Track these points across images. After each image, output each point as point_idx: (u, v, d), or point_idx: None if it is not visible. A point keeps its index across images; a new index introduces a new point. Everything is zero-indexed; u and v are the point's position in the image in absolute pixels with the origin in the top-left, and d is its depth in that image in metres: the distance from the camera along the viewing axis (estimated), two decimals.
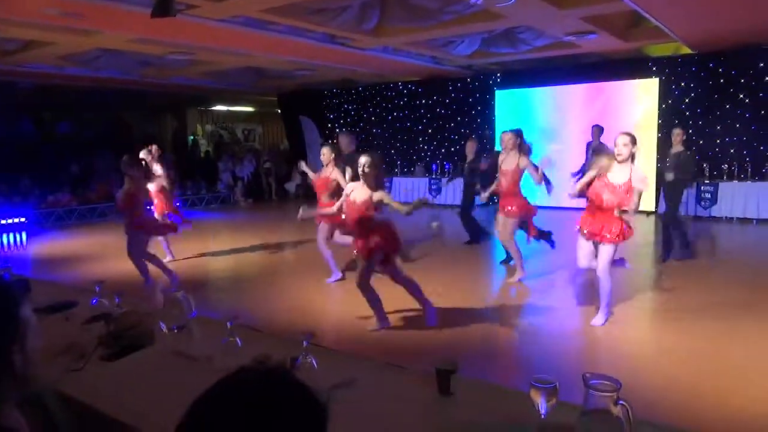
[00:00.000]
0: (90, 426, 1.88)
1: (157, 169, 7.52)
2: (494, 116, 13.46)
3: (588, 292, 5.98)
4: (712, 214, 10.53)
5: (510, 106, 13.20)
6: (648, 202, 10.68)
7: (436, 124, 14.50)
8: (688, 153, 7.28)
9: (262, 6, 7.36)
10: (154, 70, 12.19)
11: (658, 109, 11.40)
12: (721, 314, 5.11)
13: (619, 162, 4.54)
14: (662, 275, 6.68)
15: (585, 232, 4.76)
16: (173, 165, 13.52)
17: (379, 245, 4.55)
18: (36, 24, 7.96)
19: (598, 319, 4.88)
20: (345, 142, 7.08)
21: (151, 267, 6.41)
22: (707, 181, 10.59)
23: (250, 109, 21.28)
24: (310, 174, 6.80)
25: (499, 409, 1.78)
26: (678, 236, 7.24)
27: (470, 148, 8.37)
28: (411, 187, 14.13)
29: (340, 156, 6.43)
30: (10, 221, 11.48)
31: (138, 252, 6.30)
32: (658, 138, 11.07)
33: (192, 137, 20.09)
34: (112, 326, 2.40)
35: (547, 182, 6.10)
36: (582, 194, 4.85)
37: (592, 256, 4.87)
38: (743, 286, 6.12)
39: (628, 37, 9.61)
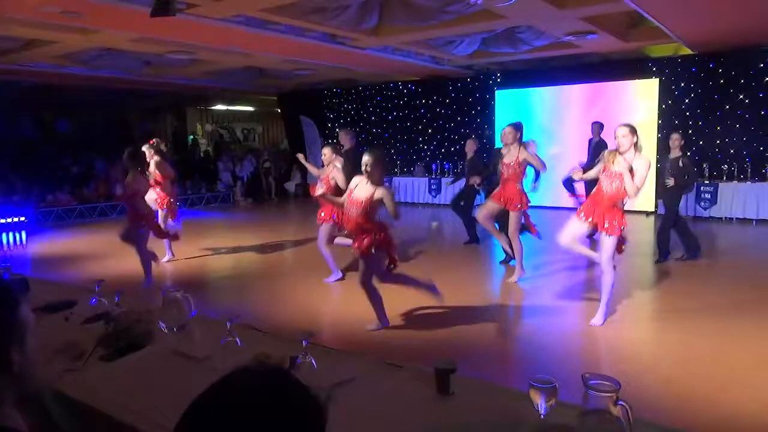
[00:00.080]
0: (89, 426, 1.88)
1: (152, 163, 7.47)
2: (494, 116, 13.46)
3: (588, 292, 5.98)
4: (712, 215, 10.53)
5: (510, 106, 13.19)
6: (648, 202, 10.70)
7: (436, 124, 14.50)
8: (687, 158, 7.26)
9: (262, 5, 7.36)
10: (154, 69, 12.19)
11: (658, 110, 11.40)
12: (720, 314, 5.11)
13: (621, 153, 4.59)
14: (662, 275, 6.68)
15: (582, 215, 4.81)
16: (173, 164, 13.50)
17: (375, 243, 4.53)
18: (36, 23, 7.96)
19: (597, 319, 4.89)
20: (345, 139, 7.08)
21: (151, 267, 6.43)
22: (707, 182, 10.59)
23: (250, 108, 21.28)
24: (313, 169, 6.81)
25: (498, 409, 1.78)
26: (685, 238, 7.22)
27: (470, 147, 8.38)
28: (411, 186, 14.17)
29: (341, 155, 6.47)
30: (9, 220, 11.47)
31: (141, 244, 6.38)
32: (658, 138, 11.07)
33: (192, 137, 20.09)
34: (111, 326, 2.40)
35: (538, 175, 6.32)
36: (588, 185, 5.00)
37: (574, 239, 4.95)
38: (743, 286, 6.12)
39: (628, 37, 9.61)
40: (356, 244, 4.59)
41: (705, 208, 10.59)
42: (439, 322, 4.99)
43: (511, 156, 6.13)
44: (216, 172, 16.79)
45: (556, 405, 1.56)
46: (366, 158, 4.49)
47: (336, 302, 6.07)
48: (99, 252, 8.71)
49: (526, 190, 6.20)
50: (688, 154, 7.65)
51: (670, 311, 5.35)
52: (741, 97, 10.62)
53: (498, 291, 6.47)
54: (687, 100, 11.16)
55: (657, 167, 7.73)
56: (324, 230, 6.37)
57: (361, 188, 4.55)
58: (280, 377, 0.91)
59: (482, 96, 13.75)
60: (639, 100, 11.62)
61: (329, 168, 6.28)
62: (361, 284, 4.68)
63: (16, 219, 11.57)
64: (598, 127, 9.37)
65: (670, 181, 7.04)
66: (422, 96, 14.62)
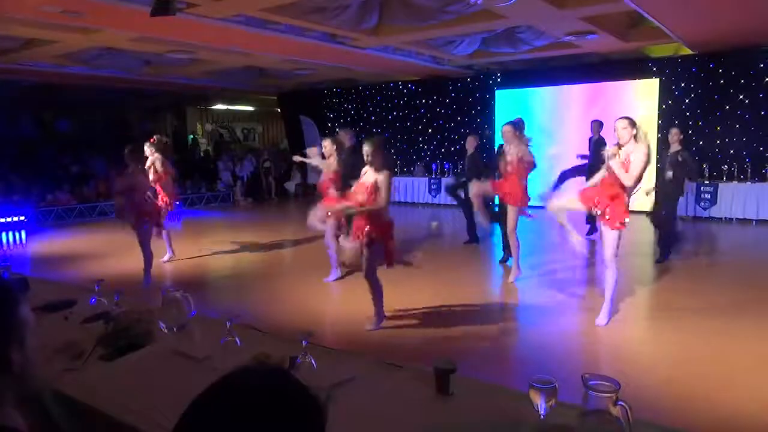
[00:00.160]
0: (89, 425, 1.88)
1: (151, 160, 7.46)
2: (494, 116, 13.45)
3: (588, 291, 5.98)
4: (712, 215, 10.53)
5: (510, 106, 13.18)
6: (648, 203, 10.67)
7: (436, 123, 14.50)
8: (687, 152, 7.28)
9: (262, 5, 7.36)
10: (154, 68, 12.19)
11: (658, 110, 11.40)
12: (720, 314, 5.11)
13: (621, 146, 4.59)
14: (661, 275, 6.68)
15: (580, 197, 4.85)
16: (174, 164, 13.50)
17: (376, 232, 4.61)
18: (36, 22, 7.96)
19: (601, 319, 4.88)
20: (344, 137, 7.09)
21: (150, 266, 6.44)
22: (707, 182, 10.59)
23: (249, 108, 21.28)
24: (318, 162, 6.78)
25: (498, 409, 1.78)
26: (668, 236, 7.21)
27: (470, 143, 8.39)
28: (411, 186, 14.16)
29: (341, 149, 6.50)
30: (9, 219, 11.47)
31: (145, 240, 6.42)
32: (658, 138, 11.07)
33: (192, 136, 20.09)
34: (111, 325, 2.40)
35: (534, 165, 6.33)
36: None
37: (563, 211, 5.09)
38: (743, 286, 6.12)
39: (628, 37, 9.61)
40: (358, 233, 4.66)
41: (705, 209, 10.59)
42: (439, 322, 5.00)
43: (512, 154, 6.14)
44: (216, 171, 16.80)
45: (556, 405, 1.55)
46: (366, 148, 4.68)
47: (335, 302, 6.07)
48: (99, 251, 8.71)
49: (528, 190, 6.20)
50: (691, 149, 7.66)
51: (670, 311, 5.35)
52: (741, 97, 10.61)
53: (498, 291, 6.47)
54: (687, 100, 11.16)
55: (657, 167, 7.73)
56: (331, 225, 6.39)
57: (368, 175, 4.74)
58: (279, 377, 0.91)
59: (482, 96, 13.75)
60: (639, 100, 11.61)
61: (331, 160, 6.32)
62: (365, 275, 4.75)
63: (15, 218, 11.58)
64: (597, 125, 9.37)
65: (669, 173, 7.04)
66: (422, 96, 14.62)
